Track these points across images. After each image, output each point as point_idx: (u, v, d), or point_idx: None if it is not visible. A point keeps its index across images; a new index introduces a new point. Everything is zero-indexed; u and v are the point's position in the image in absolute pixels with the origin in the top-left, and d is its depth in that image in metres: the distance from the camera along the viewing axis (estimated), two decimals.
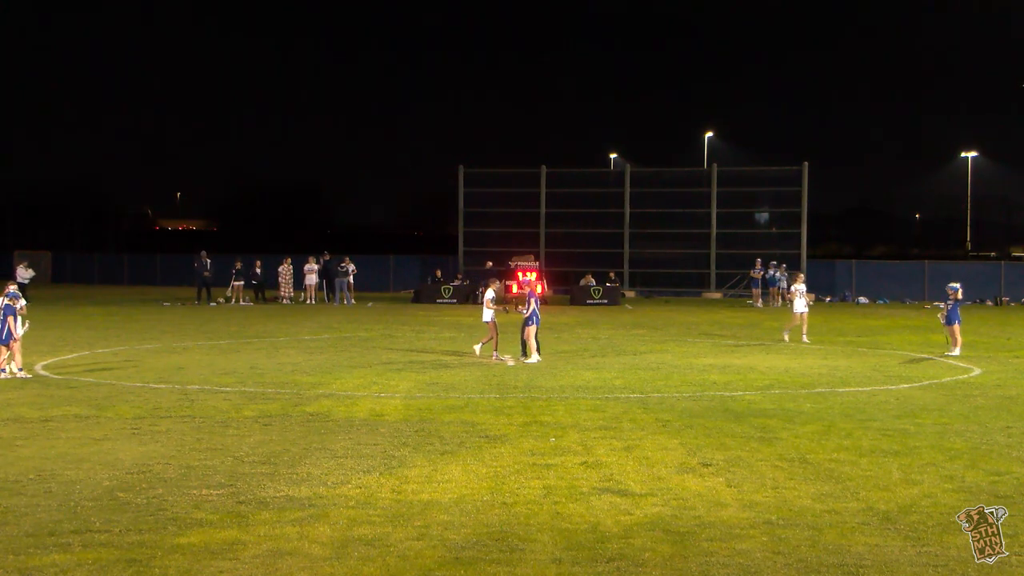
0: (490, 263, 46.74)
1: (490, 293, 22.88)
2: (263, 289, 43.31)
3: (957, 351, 23.94)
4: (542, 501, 10.18)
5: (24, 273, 40.51)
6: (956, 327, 24.07)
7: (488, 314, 22.44)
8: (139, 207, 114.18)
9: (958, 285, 24.67)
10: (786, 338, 26.90)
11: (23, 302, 18.95)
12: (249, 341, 26.34)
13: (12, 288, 18.87)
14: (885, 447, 12.96)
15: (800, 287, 27.10)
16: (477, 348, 22.82)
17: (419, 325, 32.16)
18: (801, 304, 26.71)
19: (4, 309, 18.44)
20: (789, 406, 16.23)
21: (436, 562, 8.32)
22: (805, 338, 26.79)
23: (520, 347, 22.20)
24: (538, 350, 22.00)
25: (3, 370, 18.46)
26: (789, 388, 18.32)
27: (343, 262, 43.75)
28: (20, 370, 18.68)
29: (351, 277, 43.78)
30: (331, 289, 43.69)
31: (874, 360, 23.02)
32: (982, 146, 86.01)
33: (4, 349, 18.51)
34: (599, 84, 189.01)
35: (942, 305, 24.77)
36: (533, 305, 21.89)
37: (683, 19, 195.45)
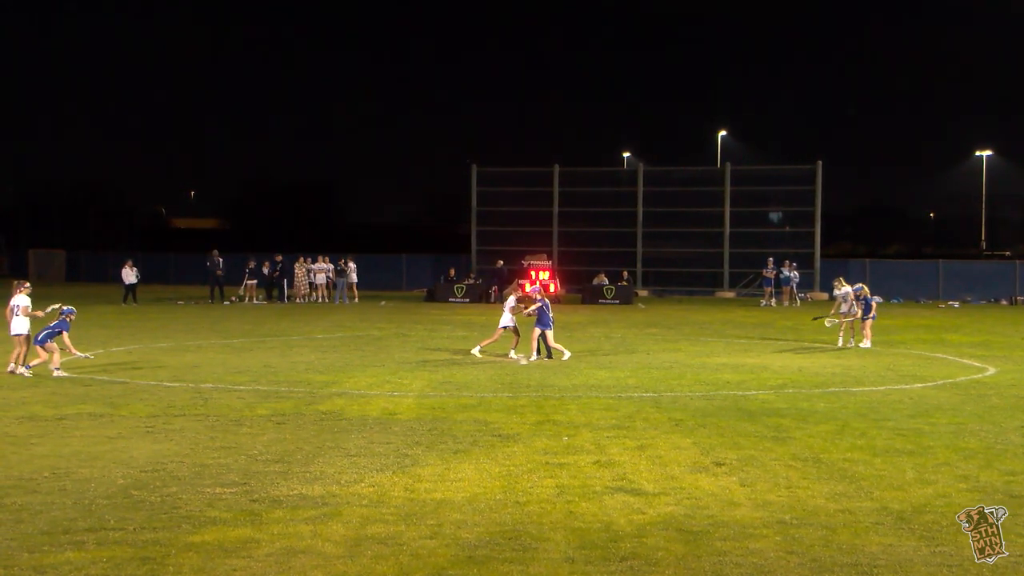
0: (500, 262, 46.79)
1: (511, 300, 23.01)
2: (274, 287, 43.43)
3: (868, 343, 25.19)
4: (555, 500, 10.18)
5: (130, 273, 40.75)
6: (868, 322, 25.41)
7: (507, 318, 22.48)
8: (152, 206, 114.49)
9: (862, 285, 26.27)
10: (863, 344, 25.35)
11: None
12: (262, 340, 26.40)
13: (68, 307, 19.41)
14: (899, 447, 12.92)
15: (838, 292, 26.20)
16: (476, 351, 22.80)
17: (432, 324, 32.18)
18: (844, 307, 25.81)
19: (60, 323, 18.99)
20: (803, 405, 16.19)
21: (449, 561, 8.33)
22: (841, 341, 25.69)
23: (546, 351, 22.18)
24: (548, 353, 22.02)
25: (56, 368, 18.80)
26: (802, 387, 18.28)
27: (277, 260, 44.39)
28: (28, 367, 18.90)
29: (354, 275, 43.79)
30: (272, 286, 43.91)
31: (888, 359, 22.94)
32: (997, 145, 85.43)
33: (39, 350, 18.83)
34: (612, 83, 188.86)
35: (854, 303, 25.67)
36: (534, 306, 22.00)
37: (696, 18, 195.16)
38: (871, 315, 25.59)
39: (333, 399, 16.45)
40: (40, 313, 19.35)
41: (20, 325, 19.15)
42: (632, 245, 51.62)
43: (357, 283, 43.96)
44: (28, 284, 20.04)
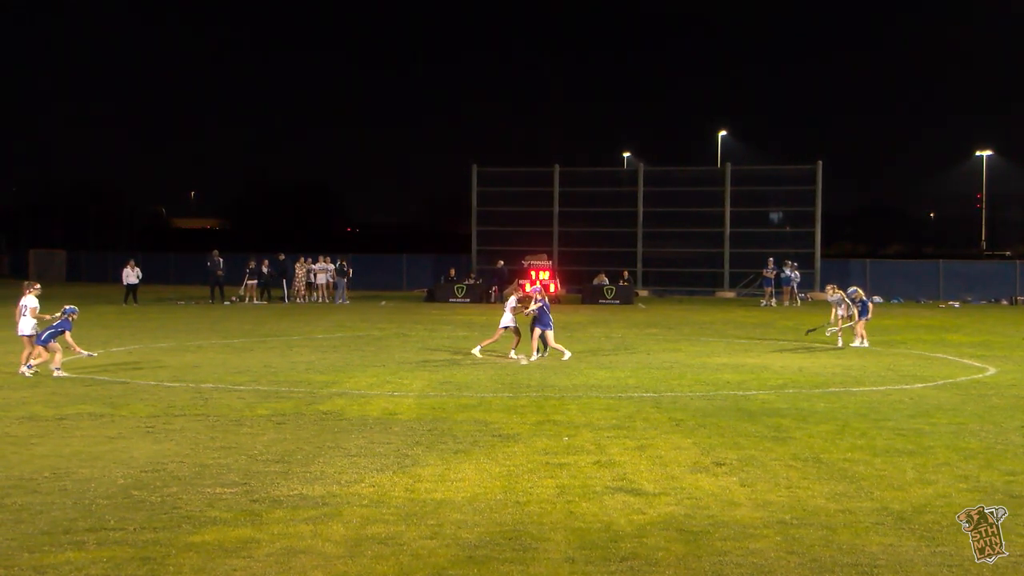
0: (501, 262, 46.83)
1: (512, 300, 23.04)
2: (274, 287, 43.43)
3: (865, 343, 25.50)
4: (555, 500, 10.18)
5: (131, 273, 40.67)
6: (862, 322, 25.73)
7: (508, 318, 22.49)
8: (152, 206, 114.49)
9: (856, 288, 26.52)
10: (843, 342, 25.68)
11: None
12: (263, 340, 26.40)
13: (70, 306, 19.44)
14: (899, 447, 12.92)
15: (831, 298, 26.46)
16: (476, 351, 22.79)
17: (432, 324, 32.18)
18: (840, 311, 25.99)
19: (63, 323, 19.00)
20: (803, 405, 16.19)
21: (449, 561, 8.33)
22: (840, 342, 25.69)
23: (543, 348, 22.23)
24: (542, 351, 22.06)
25: (57, 368, 18.80)
26: (803, 387, 18.28)
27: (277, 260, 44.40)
28: (29, 367, 18.90)
29: (346, 277, 43.73)
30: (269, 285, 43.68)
31: (888, 359, 22.94)
32: (997, 145, 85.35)
33: (41, 350, 18.85)
34: (613, 83, 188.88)
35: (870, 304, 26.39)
36: (534, 306, 22.03)
37: (696, 17, 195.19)
38: (867, 315, 25.76)
39: (333, 399, 16.45)
40: (47, 316, 19.38)
41: (25, 325, 19.26)
42: (632, 245, 51.62)
43: (347, 284, 43.96)
44: (38, 286, 20.09)
